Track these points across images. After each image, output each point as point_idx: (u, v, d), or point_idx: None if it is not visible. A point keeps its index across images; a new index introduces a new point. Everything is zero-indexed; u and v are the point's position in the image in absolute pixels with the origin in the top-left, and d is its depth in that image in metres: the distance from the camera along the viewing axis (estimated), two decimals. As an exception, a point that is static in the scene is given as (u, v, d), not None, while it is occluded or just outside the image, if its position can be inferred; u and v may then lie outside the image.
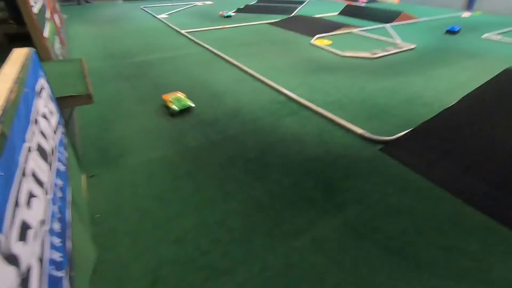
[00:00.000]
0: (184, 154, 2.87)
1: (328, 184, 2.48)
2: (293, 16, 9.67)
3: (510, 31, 7.99)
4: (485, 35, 7.49)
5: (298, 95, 4.05)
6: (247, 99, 4.01)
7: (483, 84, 3.52)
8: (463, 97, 3.29)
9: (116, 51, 6.10)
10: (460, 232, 2.02)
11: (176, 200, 2.30)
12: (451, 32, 7.69)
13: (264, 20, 9.02)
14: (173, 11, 10.77)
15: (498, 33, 7.63)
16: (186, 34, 7.39)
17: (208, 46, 6.28)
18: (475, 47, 6.50)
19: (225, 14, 9.95)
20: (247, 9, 11.07)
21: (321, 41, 6.81)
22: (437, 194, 2.36)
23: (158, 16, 9.74)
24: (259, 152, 2.91)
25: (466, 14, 10.86)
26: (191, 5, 12.44)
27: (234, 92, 4.23)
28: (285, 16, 9.36)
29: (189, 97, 3.78)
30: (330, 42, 6.70)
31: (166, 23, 8.73)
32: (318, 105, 3.77)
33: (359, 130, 3.18)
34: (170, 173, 2.60)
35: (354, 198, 2.32)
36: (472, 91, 3.40)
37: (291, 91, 4.16)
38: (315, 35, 7.14)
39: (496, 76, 3.57)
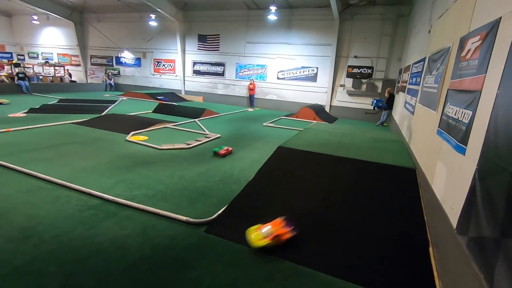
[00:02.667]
0: None
1: (157, 286, 2.27)
2: (104, 114, 9.45)
3: (278, 120, 11.44)
4: (264, 123, 10.29)
5: (114, 195, 3.73)
6: (45, 212, 3.25)
7: (267, 159, 4.68)
8: (256, 172, 4.19)
9: None
10: (278, 286, 2.34)
11: None
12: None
13: (68, 120, 8.21)
14: None
15: (271, 122, 10.73)
16: None
17: (-20, 155, 4.84)
18: (260, 132, 8.72)
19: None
20: (44, 109, 9.78)
21: (137, 137, 6.92)
22: (256, 257, 2.68)
23: None
24: (66, 277, 2.30)
25: (251, 109, 14.69)
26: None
27: (24, 207, 3.33)
28: (94, 116, 8.97)
29: None
30: (146, 137, 6.93)
31: None
32: (139, 202, 3.60)
33: (183, 218, 3.26)
34: None
35: (186, 291, 2.22)
36: (262, 166, 4.41)
37: (106, 192, 3.79)
38: (130, 132, 7.20)
39: (273, 152, 4.86)
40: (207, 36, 16.49)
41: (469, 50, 2.85)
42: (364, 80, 13.57)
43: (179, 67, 17.63)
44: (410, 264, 2.60)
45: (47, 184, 3.99)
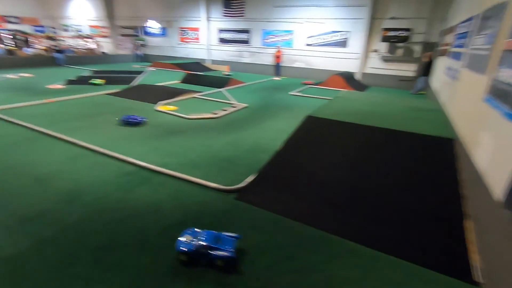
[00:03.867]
0: (0, 270, 2.10)
1: (192, 246, 2.41)
2: (134, 85, 9.69)
3: (305, 89, 11.07)
4: (291, 92, 10.02)
5: (148, 162, 3.91)
6: (88, 177, 3.51)
7: (296, 128, 4.60)
8: (285, 141, 4.15)
9: None
10: (307, 251, 2.39)
11: None
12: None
13: (101, 91, 8.55)
14: (-31, 86, 8.52)
15: (298, 91, 10.41)
16: (-8, 112, 5.92)
17: (28, 124, 5.23)
18: (286, 102, 8.53)
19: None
20: (80, 81, 10.23)
21: (166, 107, 7.08)
22: (286, 224, 2.74)
23: None
24: (109, 235, 2.52)
25: (277, 78, 14.31)
26: (0, 78, 10.29)
27: (68, 172, 3.62)
28: (125, 86, 9.24)
29: (2, 189, 2.92)
30: (175, 107, 7.06)
31: (-43, 101, 6.74)
32: (171, 169, 3.76)
33: (213, 184, 3.36)
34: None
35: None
36: (290, 135, 4.35)
37: (140, 159, 3.98)
38: (159, 102, 7.37)
39: (302, 121, 4.75)
40: (232, 1, 15.83)
41: (534, 3, 2.45)
42: (400, 44, 12.50)
43: (204, 36, 17.33)
44: (443, 236, 2.52)
45: (87, 151, 4.27)
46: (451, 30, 8.05)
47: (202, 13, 16.64)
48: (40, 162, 3.84)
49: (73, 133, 4.93)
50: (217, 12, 16.53)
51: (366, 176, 3.30)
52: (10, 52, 14.43)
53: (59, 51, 15.40)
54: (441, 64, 8.71)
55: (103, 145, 4.44)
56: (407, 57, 12.48)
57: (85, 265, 2.17)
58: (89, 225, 2.64)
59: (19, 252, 2.28)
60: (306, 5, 14.05)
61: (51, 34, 19.90)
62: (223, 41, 17.06)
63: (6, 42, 15.81)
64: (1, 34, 16.38)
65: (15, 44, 15.64)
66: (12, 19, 20.31)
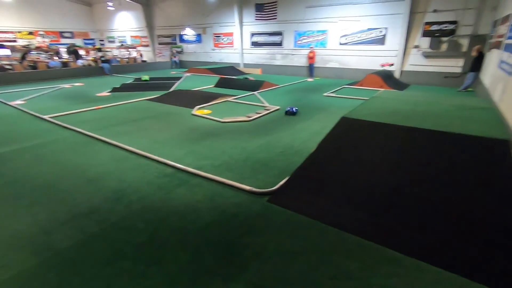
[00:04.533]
0: (53, 261, 2.33)
1: (227, 247, 2.47)
2: (172, 91, 10.18)
3: (340, 89, 10.77)
4: (325, 94, 9.81)
5: (185, 164, 4.09)
6: (132, 178, 3.76)
7: (330, 130, 4.49)
8: (319, 143, 4.08)
9: None
10: (342, 257, 2.33)
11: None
12: (290, 113, 7.01)
13: (142, 97, 9.11)
14: (31, 96, 9.58)
15: (332, 92, 10.15)
16: (49, 119, 6.60)
17: (80, 129, 5.76)
18: (320, 103, 8.37)
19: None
20: (124, 88, 11.01)
21: (201, 111, 7.33)
22: (320, 228, 2.70)
23: (10, 103, 8.43)
24: (151, 233, 2.68)
25: (310, 79, 14.12)
26: (57, 88, 11.44)
27: (115, 173, 3.91)
28: (163, 92, 9.75)
29: (58, 187, 3.24)
30: (210, 111, 7.29)
31: (22, 110, 7.61)
32: (206, 171, 3.89)
33: (247, 187, 3.41)
34: (32, 291, 2.04)
35: (253, 254, 2.37)
36: (324, 137, 4.27)
37: (178, 162, 4.18)
38: (195, 106, 7.66)
39: (337, 123, 4.64)
40: (265, 5, 15.95)
41: None
42: (444, 39, 11.62)
43: (237, 40, 17.68)
44: (499, 248, 2.29)
45: (130, 154, 4.58)
46: (505, 20, 7.31)
47: (235, 18, 17.00)
48: (90, 164, 4.20)
49: (118, 137, 5.32)
50: (250, 16, 16.77)
51: (408, 180, 3.12)
52: (64, 64, 16.00)
53: (105, 61, 16.73)
54: (493, 58, 7.95)
55: (145, 148, 4.73)
56: (453, 52, 11.56)
57: (129, 260, 2.33)
58: (133, 223, 2.83)
59: (71, 245, 2.52)
60: (340, 3, 13.69)
61: (98, 46, 21.68)
62: (255, 44, 17.26)
63: (61, 55, 17.53)
64: (59, 48, 18.21)
65: (75, 57, 17.32)
66: (66, 34, 22.52)
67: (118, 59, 19.40)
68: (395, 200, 2.89)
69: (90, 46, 21.82)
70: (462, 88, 10.25)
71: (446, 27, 11.53)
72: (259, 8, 16.21)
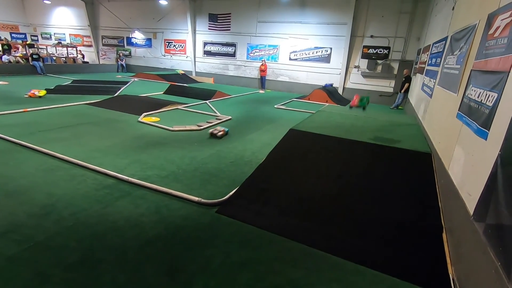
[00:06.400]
0: (-46, 292, 1.94)
1: (171, 262, 2.34)
2: (117, 95, 9.52)
3: (289, 102, 11.27)
4: (276, 106, 10.16)
5: (128, 175, 3.81)
6: (64, 191, 3.36)
7: (279, 142, 4.64)
8: (268, 154, 4.17)
9: None
10: (288, 266, 2.38)
11: None
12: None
13: (81, 101, 8.33)
14: None
15: (282, 104, 10.57)
16: (-38, 121, 5.61)
17: (1, 135, 4.99)
18: (271, 115, 8.63)
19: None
20: (59, 90, 9.93)
21: (149, 118, 6.98)
22: (268, 238, 2.72)
23: None
24: (85, 251, 2.40)
25: (262, 91, 14.51)
26: (-27, 86, 9.83)
27: (43, 185, 3.46)
28: (107, 96, 9.05)
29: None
30: (158, 119, 6.97)
31: None
32: (152, 182, 3.68)
33: (195, 198, 3.31)
34: None
35: (199, 268, 2.28)
36: (273, 148, 4.38)
37: (120, 172, 3.87)
38: (142, 113, 7.25)
39: (285, 135, 4.81)
40: (218, 15, 16.09)
41: (497, 28, 2.66)
42: (379, 61, 13.08)
43: (189, 48, 17.41)
44: (423, 248, 2.58)
45: (64, 164, 4.11)
46: (426, 49, 8.52)
47: (188, 26, 16.77)
48: (12, 176, 3.65)
49: (50, 144, 4.74)
50: (203, 25, 16.72)
51: (349, 190, 3.36)
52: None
53: (36, 59, 14.91)
54: (418, 81, 9.15)
55: (82, 157, 4.29)
56: (387, 74, 13.04)
57: (56, 285, 2.05)
58: (63, 241, 2.51)
59: (-17, 272, 2.13)
60: (290, 22, 14.49)
61: (29, 42, 19.33)
62: (208, 53, 17.20)
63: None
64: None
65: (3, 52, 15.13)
66: (-11, 26, 19.68)
67: (54, 58, 17.54)
68: (336, 208, 3.08)
69: (19, 41, 19.36)
70: (394, 106, 11.55)
71: (380, 51, 12.98)
72: (213, 18, 16.29)
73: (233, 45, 16.30)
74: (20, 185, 3.42)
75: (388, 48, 12.84)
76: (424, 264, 2.43)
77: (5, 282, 2.05)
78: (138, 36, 18.97)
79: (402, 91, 10.95)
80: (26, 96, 8.67)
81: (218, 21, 16.19)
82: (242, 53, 16.19)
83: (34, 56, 14.96)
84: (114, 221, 2.85)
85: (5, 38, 18.76)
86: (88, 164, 4.04)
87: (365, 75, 13.53)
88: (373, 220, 2.89)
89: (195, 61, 17.68)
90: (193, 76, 17.35)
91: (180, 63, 18.19)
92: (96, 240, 2.56)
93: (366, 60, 13.26)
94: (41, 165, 4.02)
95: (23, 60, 15.35)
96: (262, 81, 15.60)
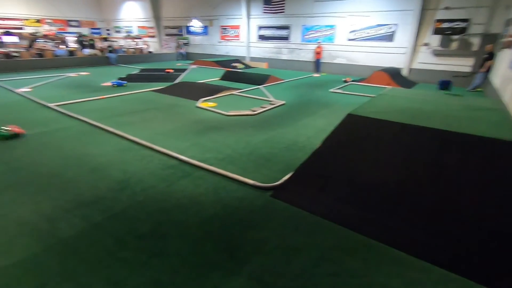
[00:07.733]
0: (56, 249, 2.35)
1: (229, 240, 2.47)
2: (177, 83, 10.15)
3: (346, 86, 10.66)
4: (331, 90, 9.71)
5: (189, 157, 4.08)
6: (135, 169, 3.76)
7: (336, 127, 4.45)
8: (324, 140, 4.04)
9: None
10: (345, 255, 2.31)
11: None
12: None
13: (147, 88, 9.09)
14: (37, 84, 9.61)
15: (338, 88, 10.04)
16: (55, 107, 6.62)
17: (84, 118, 5.77)
18: (326, 99, 8.29)
19: (115, 82, 9.66)
20: (129, 79, 10.98)
21: (206, 103, 7.30)
22: (324, 225, 2.68)
23: (17, 91, 8.46)
24: (154, 224, 2.68)
25: (317, 75, 13.97)
26: (62, 77, 11.46)
27: (119, 163, 3.92)
28: (169, 84, 9.71)
29: (62, 176, 3.25)
30: (215, 104, 7.26)
31: (28, 98, 7.64)
32: (210, 164, 3.88)
33: (250, 181, 3.40)
34: (34, 282, 2.05)
35: (254, 249, 2.36)
36: (329, 134, 4.22)
37: (182, 154, 4.17)
38: (200, 99, 7.63)
39: (343, 120, 4.58)
40: (273, -2, 15.75)
41: None
42: (455, 37, 11.40)
43: (244, 33, 17.51)
44: (506, 253, 2.25)
45: (134, 145, 4.58)
46: (518, 19, 7.13)
47: (243, 11, 16.81)
48: (95, 153, 4.21)
49: (123, 127, 5.32)
50: (258, 9, 16.57)
51: (414, 180, 3.07)
52: (71, 52, 16.00)
53: (112, 51, 16.71)
54: (505, 58, 7.78)
55: (149, 139, 4.73)
56: (463, 51, 11.35)
57: (131, 251, 2.33)
58: (136, 214, 2.83)
59: (74, 234, 2.53)
60: (349, -2, 13.46)
61: (105, 36, 21.64)
62: (262, 38, 17.09)
63: (69, 44, 17.52)
64: (66, 37, 18.19)
65: (83, 46, 17.46)
66: (73, 23, 22.48)
67: (124, 49, 19.36)
68: (400, 199, 2.86)
69: (96, 36, 21.80)
70: (471, 87, 10.08)
71: (457, 25, 11.28)
72: (267, 1, 16.00)
73: (287, 27, 15.87)
74: (101, 162, 3.93)
75: (466, 20, 11.08)
76: (503, 267, 2.12)
77: (93, 244, 2.40)
78: (195, 25, 19.71)
79: (483, 70, 9.45)
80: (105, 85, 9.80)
81: (273, 3, 15.85)
82: (297, 35, 15.68)
83: (109, 49, 16.79)
84: (177, 198, 3.10)
85: (89, 33, 21.42)
86: (155, 146, 4.44)
87: (437, 53, 11.97)
88: (443, 214, 2.61)
89: (249, 46, 17.76)
90: (247, 61, 17.49)
91: (235, 48, 18.46)
92: (163, 214, 2.83)
93: (439, 36, 11.67)
94: (116, 145, 4.54)
95: (101, 53, 17.28)
96: (317, 64, 14.98)
